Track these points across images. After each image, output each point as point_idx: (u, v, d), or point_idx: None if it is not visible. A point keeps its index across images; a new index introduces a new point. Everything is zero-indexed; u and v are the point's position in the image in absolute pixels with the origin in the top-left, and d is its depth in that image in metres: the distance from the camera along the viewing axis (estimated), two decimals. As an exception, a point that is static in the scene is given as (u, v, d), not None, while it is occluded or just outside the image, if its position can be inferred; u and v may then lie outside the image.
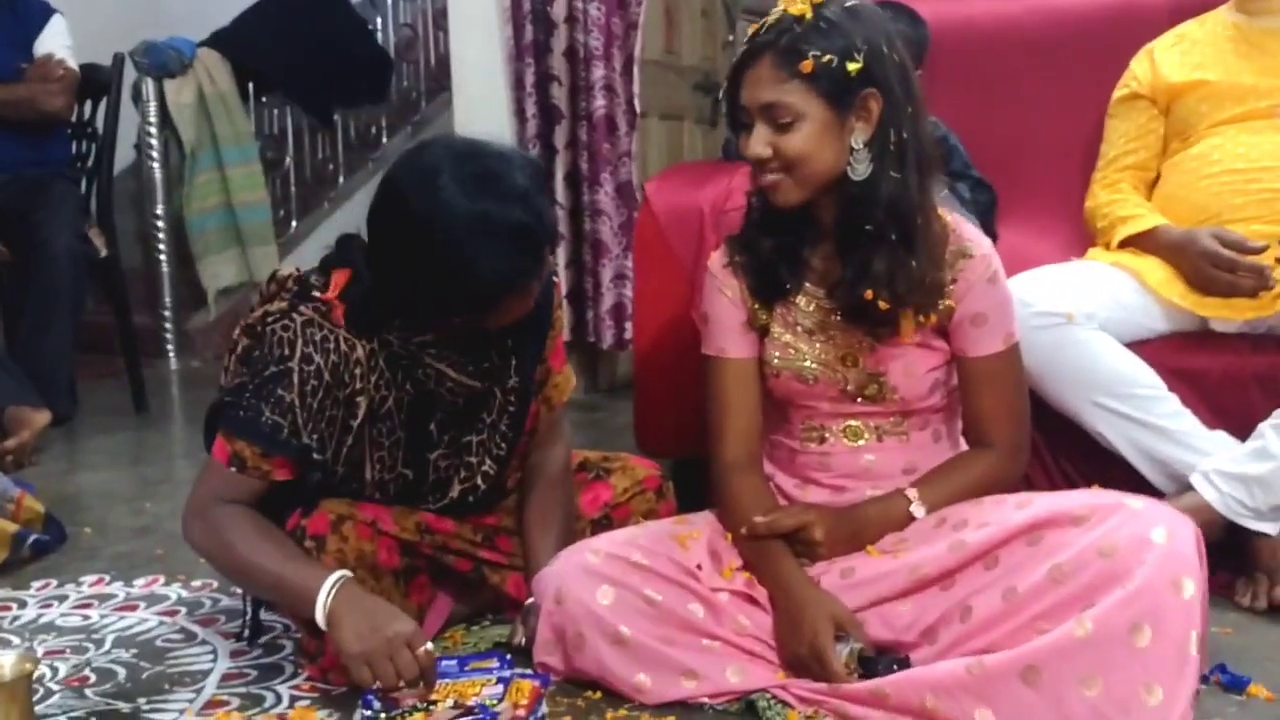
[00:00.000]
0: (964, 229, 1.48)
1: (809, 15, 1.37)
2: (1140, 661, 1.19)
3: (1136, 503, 1.31)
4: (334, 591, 1.33)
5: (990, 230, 2.14)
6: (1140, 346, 1.80)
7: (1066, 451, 1.85)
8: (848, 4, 1.40)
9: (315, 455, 1.42)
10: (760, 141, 1.38)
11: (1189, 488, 1.70)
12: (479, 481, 1.56)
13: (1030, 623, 1.26)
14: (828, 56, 1.35)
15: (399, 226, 1.35)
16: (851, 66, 1.35)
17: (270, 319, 1.41)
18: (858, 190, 1.39)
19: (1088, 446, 1.81)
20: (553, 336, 1.61)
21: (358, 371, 1.42)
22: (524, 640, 1.49)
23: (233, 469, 1.40)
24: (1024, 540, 1.32)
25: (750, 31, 1.42)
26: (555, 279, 1.62)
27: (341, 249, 1.46)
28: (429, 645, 1.32)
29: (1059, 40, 2.31)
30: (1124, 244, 1.95)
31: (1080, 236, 2.07)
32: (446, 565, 1.57)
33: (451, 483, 1.55)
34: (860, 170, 1.39)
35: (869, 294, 1.40)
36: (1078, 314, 1.75)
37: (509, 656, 1.42)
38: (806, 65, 1.35)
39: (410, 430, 1.49)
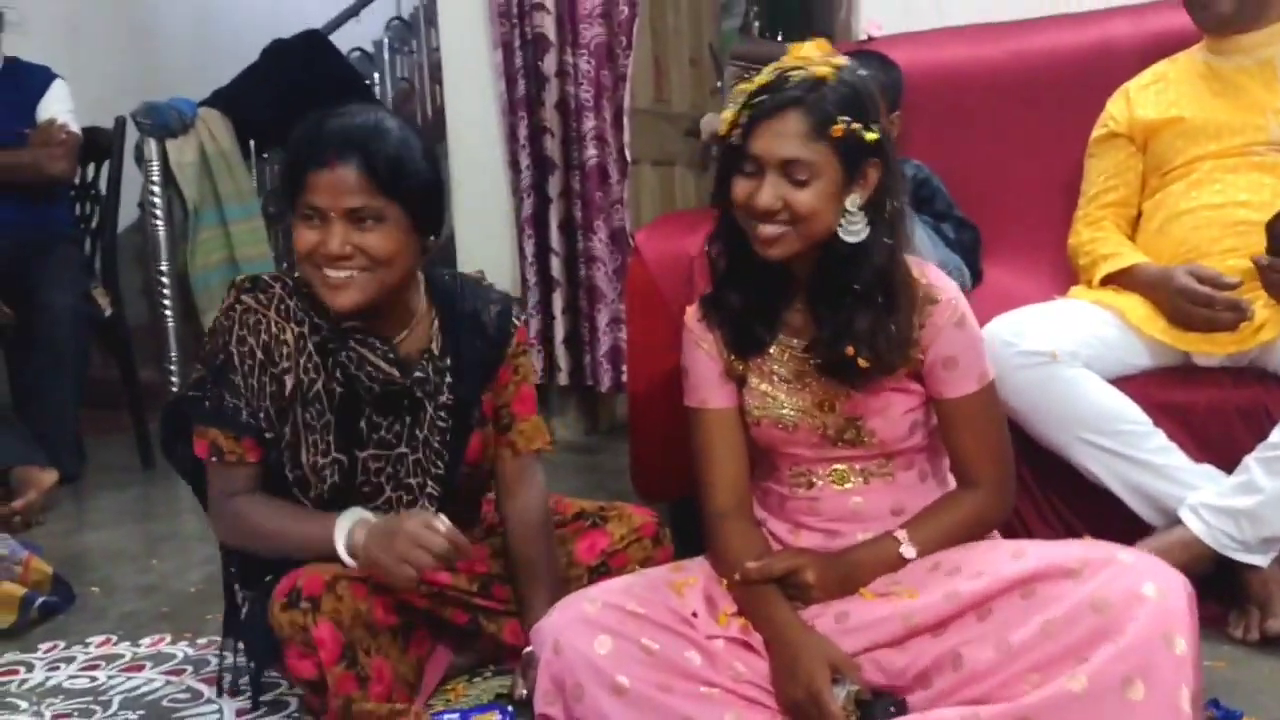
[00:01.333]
0: (929, 274, 1.51)
1: (832, 79, 1.42)
2: (1133, 716, 1.20)
3: (1128, 556, 1.32)
4: (350, 532, 1.48)
5: (975, 268, 2.18)
6: (1124, 382, 1.83)
7: (1055, 488, 1.87)
8: (860, 71, 1.45)
9: (266, 434, 1.53)
10: (772, 194, 1.41)
11: (1177, 522, 1.72)
12: (425, 505, 1.60)
13: (1023, 674, 1.28)
14: (855, 124, 1.40)
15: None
16: (869, 137, 1.40)
17: (219, 316, 1.56)
18: (848, 251, 1.43)
19: (1076, 482, 1.83)
20: (516, 381, 1.70)
21: (285, 351, 1.54)
22: (525, 693, 1.50)
23: (213, 459, 1.53)
24: (1018, 593, 1.33)
25: (761, 82, 1.44)
26: (517, 322, 1.70)
27: None
28: (443, 518, 1.47)
29: (1035, 81, 2.36)
30: (1105, 281, 1.98)
31: (1062, 274, 2.11)
32: (443, 618, 1.60)
33: (394, 504, 1.60)
34: (855, 232, 1.42)
35: (850, 350, 1.43)
36: (1061, 352, 1.78)
37: (511, 709, 1.44)
38: (838, 130, 1.40)
39: (339, 419, 1.57)
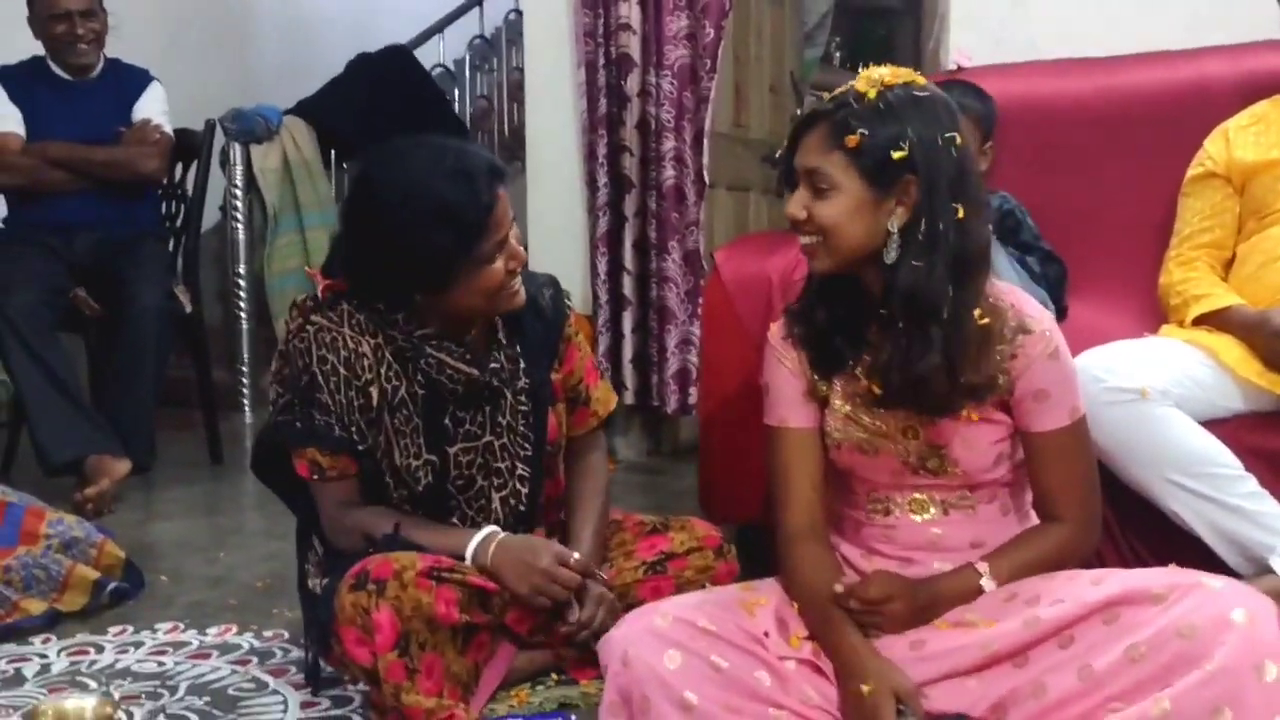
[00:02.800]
0: (1023, 304, 1.47)
1: (871, 95, 1.40)
2: None
3: (1216, 582, 1.29)
4: (483, 550, 1.56)
5: (1060, 303, 2.14)
6: (1216, 425, 1.78)
7: (1138, 529, 1.83)
8: (917, 91, 1.42)
9: (359, 445, 1.59)
10: (797, 203, 1.43)
11: (1268, 569, 1.67)
12: (518, 486, 1.66)
13: (1105, 703, 1.24)
14: (873, 137, 1.38)
15: (357, 204, 1.59)
16: (895, 153, 1.37)
17: (290, 339, 1.59)
18: (887, 273, 1.41)
19: (1161, 525, 1.78)
20: (581, 357, 1.78)
21: (365, 364, 1.58)
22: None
23: (316, 477, 1.57)
24: (1100, 618, 1.30)
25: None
26: (569, 306, 1.79)
27: (330, 253, 1.67)
28: (575, 555, 1.61)
29: (1128, 119, 2.32)
30: (1197, 322, 1.94)
31: (1152, 314, 2.06)
32: (504, 627, 1.59)
33: (486, 491, 1.64)
34: (890, 255, 1.41)
35: (913, 407, 1.43)
36: (1152, 390, 1.74)
37: (573, 718, 1.42)
38: (851, 140, 1.39)
39: (427, 421, 1.62)
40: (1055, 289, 2.12)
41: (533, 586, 1.55)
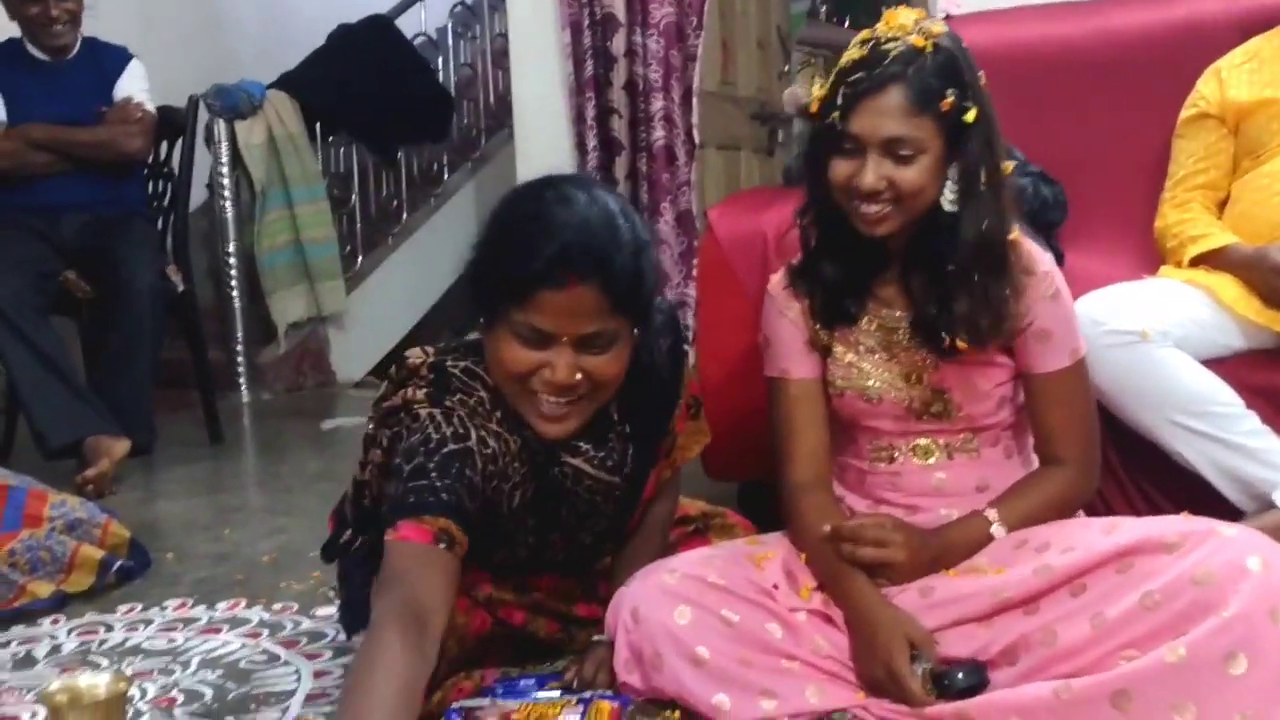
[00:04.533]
0: (1024, 243, 1.48)
1: (929, 49, 1.39)
2: (1234, 690, 1.17)
3: (1230, 530, 1.29)
4: None
5: (1056, 222, 2.11)
6: (1217, 364, 1.78)
7: (1143, 470, 1.83)
8: (954, 37, 1.42)
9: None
10: (876, 174, 1.39)
11: (1271, 505, 1.68)
12: (579, 555, 1.56)
13: (1117, 650, 1.25)
14: (956, 96, 1.37)
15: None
16: (971, 106, 1.38)
17: (420, 404, 1.35)
18: (946, 223, 1.41)
19: (1165, 465, 1.78)
20: (680, 402, 1.54)
21: (515, 467, 1.40)
22: (576, 681, 1.46)
23: (441, 546, 1.26)
24: (1113, 567, 1.30)
25: (855, 57, 1.41)
26: (687, 347, 1.55)
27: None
28: None
29: (1121, 61, 2.30)
30: (1195, 262, 1.93)
31: (1149, 257, 2.06)
32: (534, 632, 1.55)
33: (558, 557, 1.54)
34: (954, 202, 1.40)
35: (949, 331, 1.42)
36: (1152, 331, 1.73)
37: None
38: (947, 104, 1.37)
39: (539, 518, 1.46)
40: (1059, 210, 2.10)
41: None
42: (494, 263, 1.31)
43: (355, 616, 1.51)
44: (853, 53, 1.43)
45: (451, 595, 1.26)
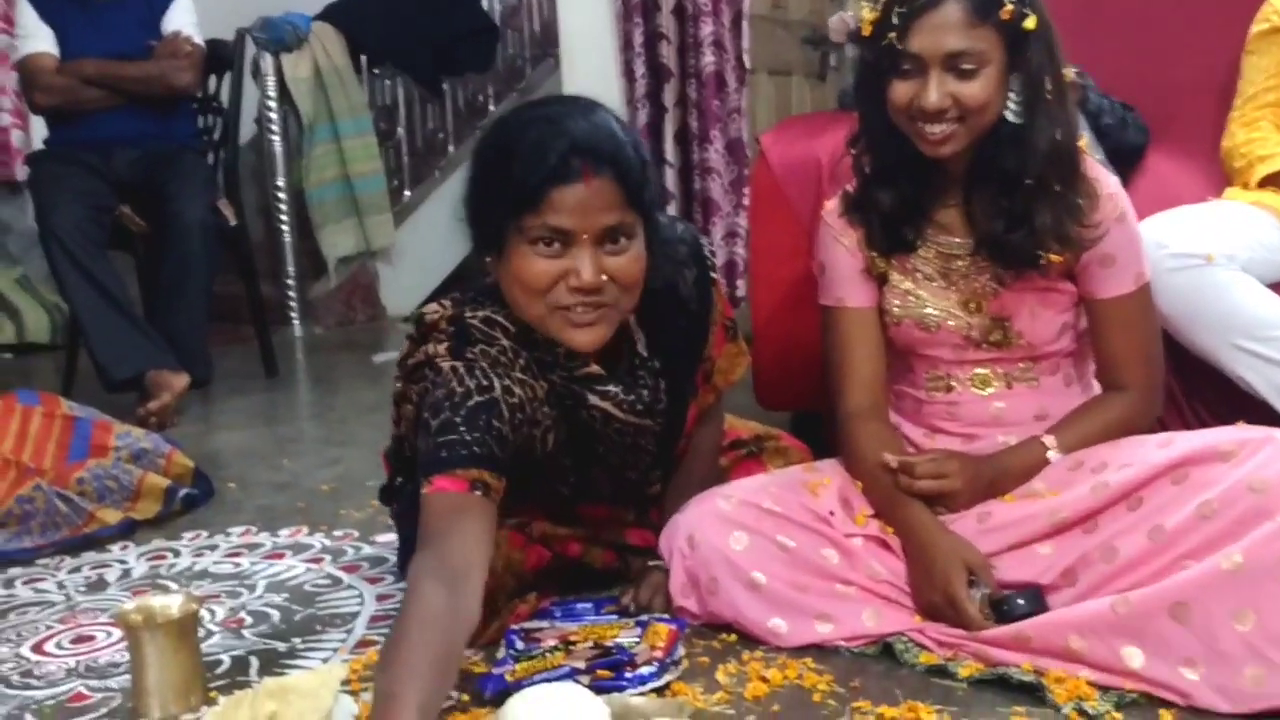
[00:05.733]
0: (1090, 165, 1.45)
1: None
2: None
3: None
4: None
5: (1138, 145, 2.06)
6: (1283, 288, 1.74)
7: (1203, 396, 1.80)
8: None
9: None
10: (940, 92, 1.36)
11: (1336, 431, 1.64)
12: (627, 486, 1.56)
13: (1176, 561, 1.24)
14: (1015, 3, 1.34)
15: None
16: (1030, 12, 1.35)
17: (442, 358, 1.34)
18: (1012, 136, 1.38)
19: (1226, 391, 1.75)
20: (713, 331, 1.52)
21: (544, 412, 1.39)
22: (633, 605, 1.48)
23: (475, 494, 1.26)
24: (1169, 479, 1.30)
25: None
26: (714, 274, 1.52)
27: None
28: None
29: (1191, -25, 2.22)
30: (1263, 183, 1.87)
31: (1216, 178, 2.00)
32: (591, 563, 1.56)
33: (605, 490, 1.54)
34: (1015, 116, 1.38)
35: (1036, 255, 1.40)
36: (1217, 255, 1.69)
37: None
38: (1007, 12, 1.34)
39: (576, 458, 1.46)
40: (1140, 132, 2.04)
41: None
42: (504, 174, 1.29)
43: (411, 556, 1.54)
44: None
45: (489, 544, 1.26)
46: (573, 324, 1.31)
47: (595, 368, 1.39)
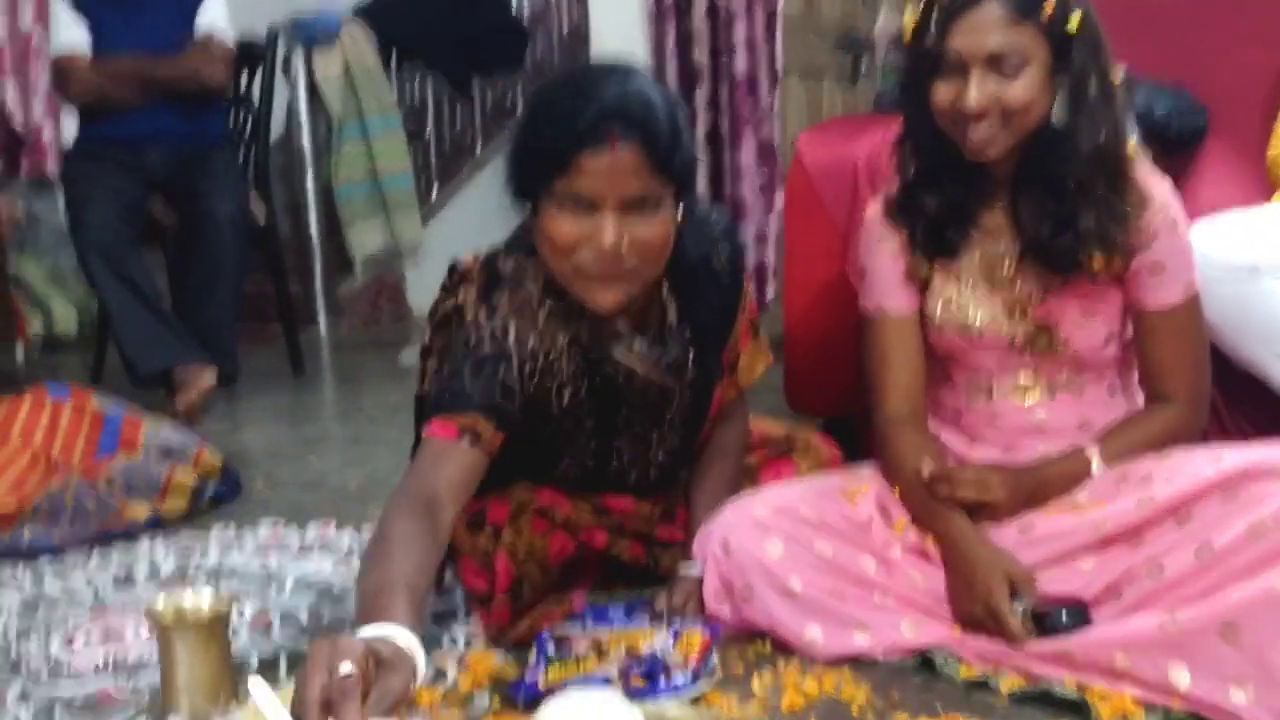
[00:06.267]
0: (1141, 170, 1.42)
1: None
2: None
3: None
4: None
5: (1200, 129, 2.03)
6: (1332, 299, 1.70)
7: (1247, 410, 1.77)
8: None
9: (517, 432, 1.37)
10: (981, 93, 1.33)
11: (1387, 447, 1.61)
12: (651, 473, 1.55)
13: (1224, 580, 1.21)
14: (1057, 2, 1.32)
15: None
16: (1074, 11, 1.33)
17: (469, 306, 1.38)
18: (1057, 139, 1.35)
19: (1270, 404, 1.72)
20: (741, 317, 1.55)
21: (561, 365, 1.40)
22: (665, 610, 1.45)
23: (464, 442, 1.29)
24: (1218, 495, 1.27)
25: None
26: (744, 268, 1.55)
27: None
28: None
29: (1238, -22, 2.18)
30: (1312, 192, 1.85)
31: (1263, 186, 1.97)
32: (618, 555, 1.56)
33: (629, 473, 1.54)
34: (1062, 118, 1.35)
35: (1080, 260, 1.37)
36: (1264, 265, 1.66)
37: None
38: (1049, 8, 1.32)
39: (598, 420, 1.47)
40: (1198, 115, 2.02)
41: None
42: (537, 135, 1.32)
43: None
44: None
45: (467, 490, 1.29)
46: (592, 284, 1.34)
47: (622, 321, 1.41)
